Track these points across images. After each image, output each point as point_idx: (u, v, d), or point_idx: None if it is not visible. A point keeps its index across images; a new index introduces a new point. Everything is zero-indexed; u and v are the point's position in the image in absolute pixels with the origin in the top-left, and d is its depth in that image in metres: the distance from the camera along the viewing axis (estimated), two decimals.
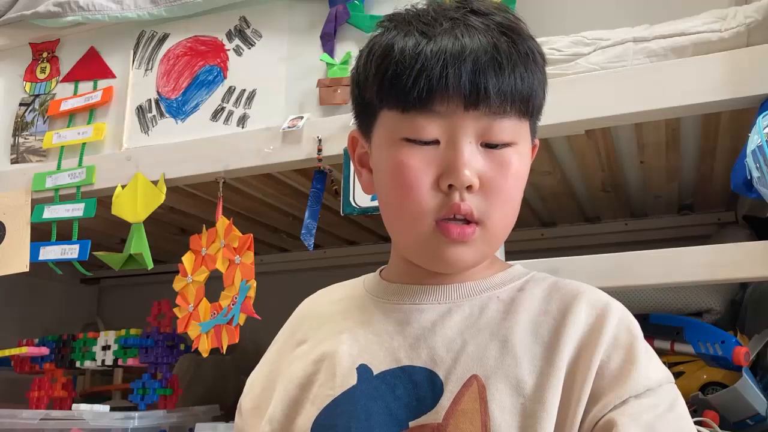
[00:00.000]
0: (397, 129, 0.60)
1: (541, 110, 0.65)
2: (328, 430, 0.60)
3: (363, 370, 0.63)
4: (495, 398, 0.57)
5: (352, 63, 0.92)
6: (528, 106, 0.60)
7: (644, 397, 0.56)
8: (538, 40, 0.99)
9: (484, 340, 0.61)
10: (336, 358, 0.64)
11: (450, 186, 0.58)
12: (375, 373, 0.62)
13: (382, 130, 0.62)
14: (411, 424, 0.58)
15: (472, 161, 0.58)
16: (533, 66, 0.60)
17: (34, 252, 1.25)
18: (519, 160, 0.61)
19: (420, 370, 0.61)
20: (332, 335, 0.67)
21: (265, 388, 0.70)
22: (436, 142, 0.59)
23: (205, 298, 1.14)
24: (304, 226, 1.10)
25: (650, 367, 0.58)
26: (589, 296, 0.63)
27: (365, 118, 0.65)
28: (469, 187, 0.58)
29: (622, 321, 0.61)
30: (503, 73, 0.57)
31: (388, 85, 0.60)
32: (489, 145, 0.59)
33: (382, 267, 0.73)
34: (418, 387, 0.59)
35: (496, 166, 0.59)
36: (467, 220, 0.59)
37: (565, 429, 0.55)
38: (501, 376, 0.58)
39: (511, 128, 0.60)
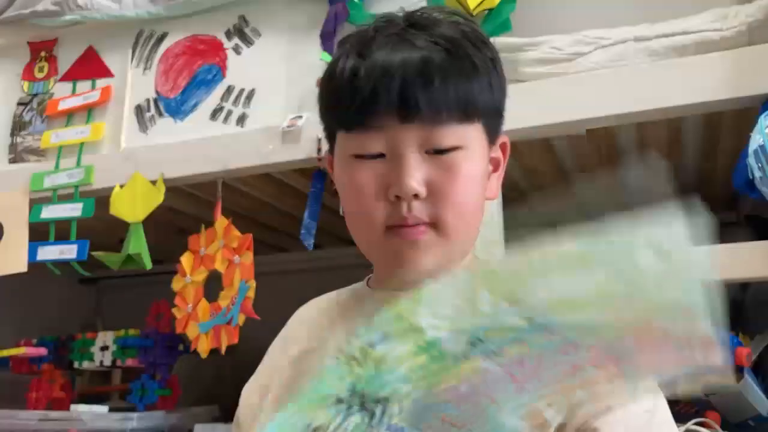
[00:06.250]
0: (347, 147, 0.64)
1: (496, 111, 0.66)
2: None
3: None
4: None
5: None
6: (467, 111, 0.61)
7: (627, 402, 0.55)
8: (539, 39, 1.00)
9: None
10: (321, 365, 0.66)
11: (397, 197, 0.60)
12: None
13: (338, 149, 0.66)
14: None
15: (417, 170, 0.60)
16: (472, 73, 0.61)
17: (32, 252, 1.24)
18: (469, 163, 0.62)
19: None
20: (319, 343, 0.69)
21: (261, 399, 0.71)
22: (382, 155, 0.62)
23: (204, 299, 1.14)
24: (304, 226, 1.09)
25: None
26: None
27: (329, 141, 0.69)
28: (416, 195, 0.60)
29: None
30: (432, 84, 0.59)
31: (333, 109, 0.65)
32: (435, 151, 0.61)
33: (370, 275, 0.75)
34: None
35: (443, 171, 0.61)
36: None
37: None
38: None
39: (453, 134, 0.61)
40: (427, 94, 0.59)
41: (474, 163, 0.63)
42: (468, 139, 0.62)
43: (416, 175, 0.60)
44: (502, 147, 0.69)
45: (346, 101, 0.61)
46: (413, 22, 0.63)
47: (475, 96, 0.61)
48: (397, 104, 0.59)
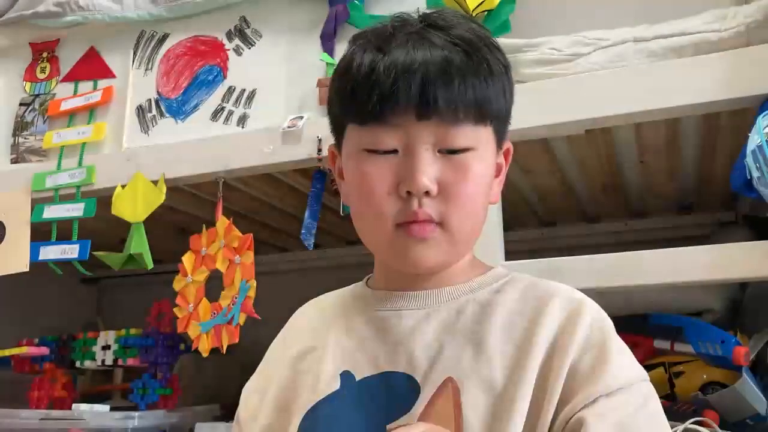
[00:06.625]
0: (359, 141, 0.64)
1: (505, 116, 0.67)
2: None
3: (346, 377, 0.65)
4: (469, 400, 0.58)
5: None
6: (482, 113, 0.62)
7: (615, 395, 0.56)
8: (538, 40, 1.00)
9: (459, 344, 0.62)
10: (321, 366, 0.67)
11: (408, 193, 0.61)
12: (357, 379, 0.64)
13: (348, 142, 0.66)
14: (388, 427, 0.59)
15: (429, 168, 0.61)
16: (489, 76, 0.62)
17: (34, 252, 1.25)
18: (479, 165, 0.63)
19: (399, 375, 0.62)
20: (319, 343, 0.70)
21: (260, 399, 0.71)
22: (395, 151, 0.62)
23: (205, 298, 1.14)
24: (304, 226, 1.10)
25: (622, 366, 0.59)
26: (563, 296, 0.64)
27: (337, 133, 0.69)
28: (426, 193, 0.61)
29: (595, 320, 0.62)
30: (452, 84, 0.60)
31: (347, 101, 0.64)
32: (448, 151, 0.62)
33: (369, 275, 0.75)
34: (397, 392, 0.61)
35: (454, 171, 0.62)
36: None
37: (536, 429, 0.56)
38: (474, 378, 0.59)
39: (467, 134, 0.62)
40: (446, 93, 0.60)
41: (484, 165, 0.64)
42: (480, 141, 0.63)
43: (429, 171, 0.60)
44: (506, 153, 0.70)
45: (363, 95, 0.61)
46: (431, 22, 0.64)
47: (491, 99, 0.62)
48: (416, 101, 0.60)
